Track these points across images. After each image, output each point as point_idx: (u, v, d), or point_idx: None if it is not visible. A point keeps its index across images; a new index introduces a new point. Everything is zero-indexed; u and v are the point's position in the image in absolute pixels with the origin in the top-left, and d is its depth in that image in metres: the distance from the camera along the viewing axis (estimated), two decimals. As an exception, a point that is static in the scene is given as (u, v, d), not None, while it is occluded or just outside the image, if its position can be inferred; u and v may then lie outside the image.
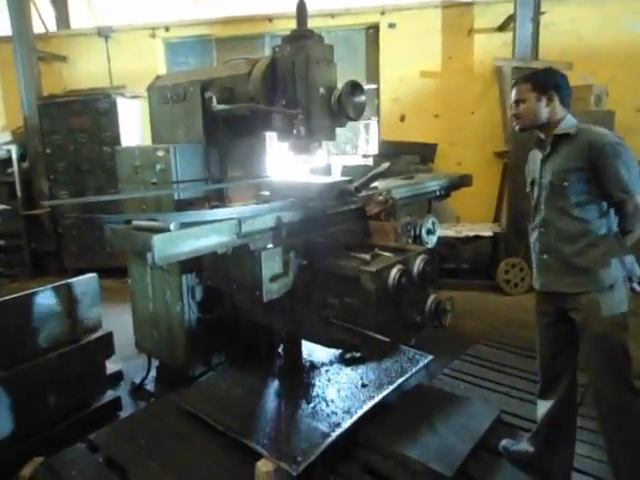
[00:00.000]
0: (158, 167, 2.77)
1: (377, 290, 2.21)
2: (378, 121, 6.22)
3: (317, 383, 2.85)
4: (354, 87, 2.55)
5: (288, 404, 2.66)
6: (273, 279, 2.22)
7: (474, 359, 3.53)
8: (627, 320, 2.07)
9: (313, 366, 3.02)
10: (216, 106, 2.50)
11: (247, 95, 2.59)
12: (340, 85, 2.56)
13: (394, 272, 2.26)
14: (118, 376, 3.53)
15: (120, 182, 3.13)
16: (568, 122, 2.06)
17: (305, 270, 2.39)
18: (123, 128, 5.68)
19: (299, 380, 2.88)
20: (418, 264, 2.44)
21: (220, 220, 2.04)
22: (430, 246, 3.04)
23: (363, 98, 2.62)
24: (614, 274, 2.02)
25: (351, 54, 6.18)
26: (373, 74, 6.13)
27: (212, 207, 2.32)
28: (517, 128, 2.20)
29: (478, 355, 3.59)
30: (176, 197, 2.75)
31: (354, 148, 6.49)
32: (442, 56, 5.74)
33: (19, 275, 6.35)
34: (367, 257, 2.30)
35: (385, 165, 2.51)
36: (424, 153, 5.68)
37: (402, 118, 5.99)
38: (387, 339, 2.15)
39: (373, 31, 6.05)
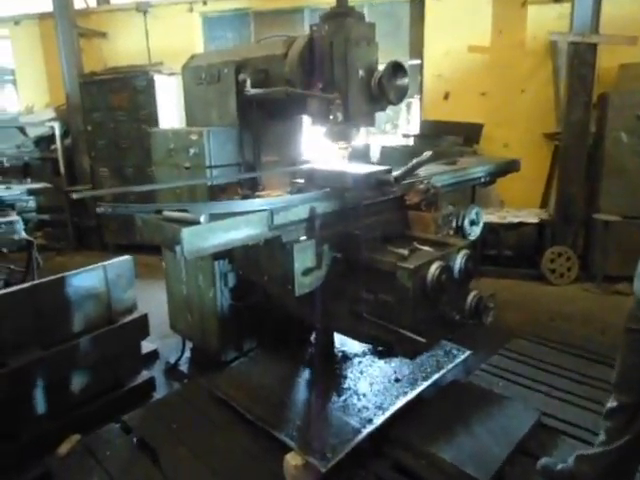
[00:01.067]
0: (192, 151, 2.71)
1: (414, 288, 2.10)
2: (420, 99, 5.95)
3: (349, 375, 2.79)
4: (396, 68, 2.39)
5: (319, 396, 2.62)
6: (305, 273, 2.14)
7: (514, 354, 3.38)
8: None
9: (345, 357, 2.96)
10: (249, 90, 2.40)
11: (283, 77, 2.47)
12: (381, 66, 2.40)
13: (433, 269, 2.14)
14: (154, 355, 3.59)
15: (154, 164, 3.10)
16: None
17: (339, 263, 2.30)
18: (160, 106, 5.67)
19: (330, 371, 2.83)
20: (459, 260, 2.31)
21: (251, 211, 1.96)
22: (473, 238, 2.87)
23: (406, 81, 2.45)
24: None
25: (394, 28, 5.89)
26: (417, 49, 5.83)
27: (244, 196, 2.24)
28: None
29: (518, 350, 3.43)
30: (209, 183, 2.69)
31: (394, 127, 6.26)
32: (492, 30, 5.38)
33: (64, 248, 6.57)
34: (405, 252, 2.18)
35: (427, 154, 2.36)
36: (468, 134, 5.40)
37: (446, 96, 5.70)
38: (423, 339, 2.05)
39: (418, 3, 5.73)
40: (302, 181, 2.46)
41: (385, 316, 2.21)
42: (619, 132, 4.65)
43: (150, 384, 3.16)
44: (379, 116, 6.43)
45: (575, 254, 4.96)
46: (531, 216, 5.17)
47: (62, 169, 6.31)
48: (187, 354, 3.50)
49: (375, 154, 5.66)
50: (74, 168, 6.39)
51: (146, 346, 3.58)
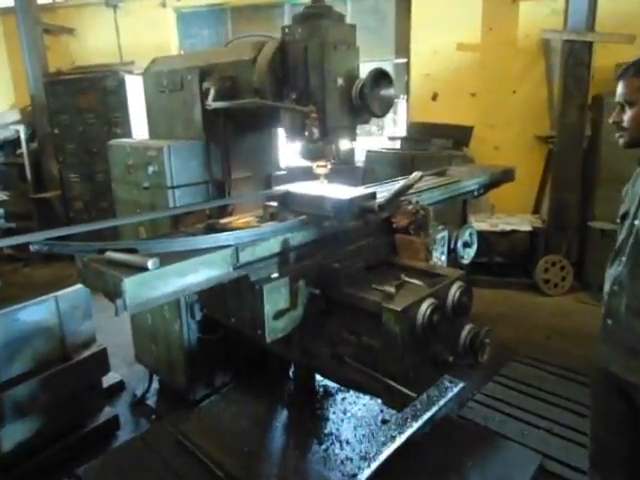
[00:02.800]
0: (150, 169, 2.40)
1: (403, 332, 1.82)
2: (407, 100, 5.67)
3: (331, 416, 2.51)
4: (380, 77, 2.10)
5: (297, 443, 2.34)
6: (278, 315, 1.86)
7: (510, 381, 3.14)
8: None
9: (327, 393, 2.68)
10: (211, 104, 2.09)
11: (252, 86, 2.16)
12: (365, 72, 2.11)
13: (424, 308, 1.86)
14: (119, 387, 3.29)
15: (113, 181, 2.79)
16: None
17: (318, 300, 2.02)
18: (133, 109, 5.32)
19: (311, 411, 2.55)
20: (453, 294, 2.04)
21: (212, 249, 1.67)
22: (467, 261, 2.62)
23: (391, 91, 2.16)
24: None
25: (379, 24, 5.60)
26: (403, 47, 5.55)
27: (207, 226, 1.94)
28: (621, 142, 1.61)
29: (514, 376, 3.19)
30: (172, 204, 2.39)
31: (380, 129, 5.98)
32: (482, 27, 5.11)
33: (32, 259, 6.19)
34: (391, 289, 1.90)
35: (416, 175, 2.08)
36: (458, 136, 5.14)
37: (434, 97, 5.43)
38: (412, 393, 1.78)
39: (404, -2, 5.44)
40: (275, 204, 2.17)
41: (370, 362, 1.94)
42: (615, 135, 4.41)
43: (114, 422, 2.87)
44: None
45: (569, 263, 4.75)
46: (524, 223, 4.94)
47: (28, 175, 5.92)
48: (155, 385, 3.21)
49: (360, 158, 5.40)
50: (42, 173, 6.00)
51: (111, 377, 3.29)
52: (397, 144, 5.43)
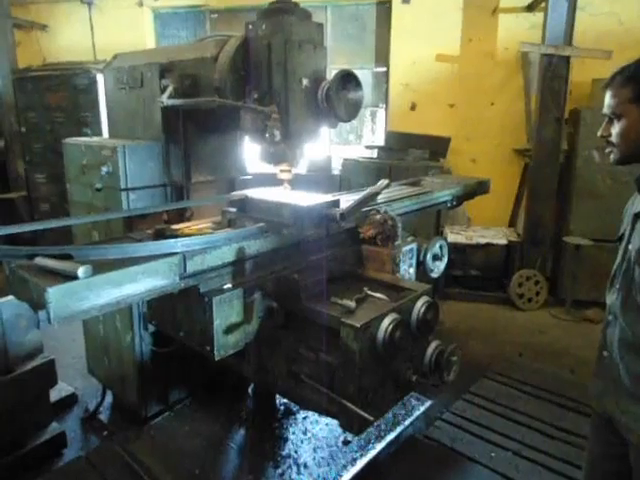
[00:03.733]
0: (104, 170, 2.25)
1: (362, 350, 1.70)
2: (386, 109, 5.62)
3: (290, 436, 2.37)
4: (348, 79, 2.00)
5: (252, 466, 2.19)
6: (229, 330, 1.72)
7: (480, 400, 3.04)
8: None
9: (288, 411, 2.55)
10: (164, 101, 1.96)
11: (213, 84, 2.04)
12: (332, 75, 2.01)
13: (385, 325, 1.75)
14: (71, 400, 3.09)
15: (68, 182, 2.62)
16: None
17: (275, 313, 1.89)
18: (104, 108, 5.12)
19: (269, 431, 2.41)
20: (418, 309, 1.93)
21: (157, 256, 1.54)
22: (436, 275, 2.52)
23: (360, 94, 2.06)
24: None
25: (359, 31, 5.54)
26: (383, 55, 5.50)
27: (156, 233, 1.80)
28: (612, 159, 1.43)
29: (485, 394, 3.09)
30: (125, 208, 2.24)
31: (358, 138, 5.90)
32: (461, 38, 5.10)
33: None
34: (351, 304, 1.78)
35: (382, 183, 1.99)
36: (435, 147, 5.09)
37: (413, 107, 5.39)
38: (370, 417, 1.65)
39: (385, 7, 5.40)
40: (234, 210, 2.04)
41: (327, 381, 1.81)
42: (591, 151, 4.41)
43: (60, 440, 2.67)
44: (342, 125, 5.97)
45: (544, 277, 4.71)
46: (499, 236, 4.89)
47: (-8, 174, 5.67)
48: (109, 399, 3.02)
49: (336, 166, 5.32)
50: (7, 173, 5.75)
51: (63, 389, 3.10)
52: (375, 153, 5.36)
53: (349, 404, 1.70)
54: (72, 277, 1.35)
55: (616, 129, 1.36)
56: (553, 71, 4.33)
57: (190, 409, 2.57)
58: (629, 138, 1.34)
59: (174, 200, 2.37)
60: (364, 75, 5.50)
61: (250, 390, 2.58)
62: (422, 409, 2.59)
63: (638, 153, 1.36)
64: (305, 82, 1.94)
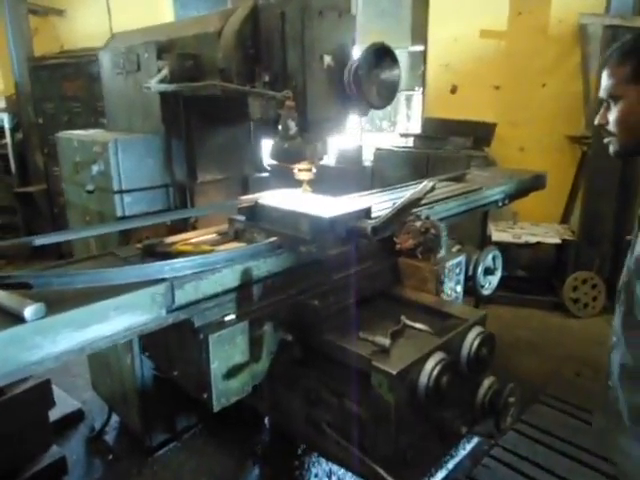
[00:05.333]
0: (95, 169, 1.94)
1: (399, 402, 1.34)
2: (423, 93, 5.13)
3: (311, 479, 2.04)
4: (381, 55, 1.60)
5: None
6: (231, 373, 1.38)
7: (534, 431, 2.61)
8: None
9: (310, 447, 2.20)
10: (153, 85, 1.61)
11: (217, 65, 1.68)
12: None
13: (429, 369, 1.38)
14: (76, 416, 2.85)
15: (63, 181, 2.33)
16: None
17: (292, 348, 1.53)
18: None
19: (288, 472, 2.07)
20: (469, 345, 1.54)
21: (136, 284, 1.20)
22: (488, 292, 2.11)
23: (396, 73, 1.66)
24: None
25: (394, 6, 5.06)
26: (420, 33, 5.00)
27: (145, 249, 1.47)
28: (611, 151, 1.24)
29: (539, 424, 2.67)
30: (120, 213, 1.93)
31: (392, 125, 5.44)
32: (509, 11, 4.54)
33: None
34: (385, 341, 1.41)
35: (426, 186, 1.59)
36: (479, 134, 4.58)
37: (453, 90, 4.88)
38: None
39: (422, -22, 4.89)
40: (242, 218, 1.69)
41: (353, 435, 1.45)
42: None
43: (60, 465, 2.43)
44: (374, 112, 5.49)
45: (602, 281, 4.19)
46: (550, 234, 4.38)
47: (12, 167, 5.53)
48: (116, 417, 2.76)
49: (368, 157, 4.89)
50: (27, 166, 5.61)
51: (68, 404, 2.87)
52: (410, 142, 4.90)
53: (381, 471, 1.34)
54: (18, 318, 1.04)
55: (614, 114, 1.19)
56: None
57: (199, 440, 2.27)
58: (628, 124, 1.16)
59: (177, 203, 2.04)
60: (399, 55, 5.01)
61: (267, 421, 2.26)
62: (468, 448, 2.20)
63: (638, 142, 1.17)
64: (328, 60, 1.56)
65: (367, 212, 1.59)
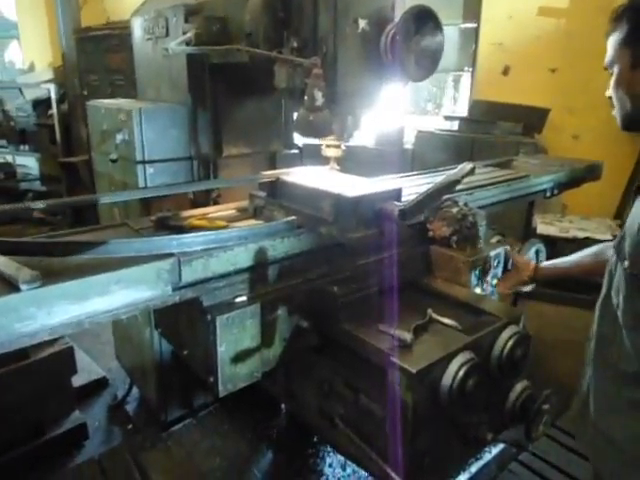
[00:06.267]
0: (119, 138, 1.89)
1: (418, 403, 1.22)
2: (473, 73, 4.84)
3: (326, 470, 1.96)
4: (423, 19, 1.44)
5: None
6: (240, 358, 1.30)
7: (567, 439, 2.44)
8: None
9: (326, 436, 2.13)
10: (172, 47, 1.52)
11: (244, 30, 1.57)
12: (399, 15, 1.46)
13: (454, 370, 1.25)
14: (101, 384, 2.90)
15: (92, 150, 2.31)
16: None
17: (307, 335, 1.44)
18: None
19: (302, 458, 2.01)
20: (502, 346, 1.40)
21: (141, 258, 1.13)
22: (528, 289, 1.94)
23: (439, 39, 1.50)
24: None
25: (446, -19, 4.77)
26: (472, 9, 4.70)
27: (158, 222, 1.40)
28: (618, 123, 1.19)
29: (574, 431, 2.48)
30: (142, 184, 1.87)
31: (437, 107, 5.19)
32: (572, -14, 4.18)
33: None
34: (407, 336, 1.29)
35: (465, 167, 1.44)
36: (530, 120, 4.29)
37: (506, 71, 4.58)
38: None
39: (478, -51, 4.57)
40: (263, 195, 1.59)
41: (367, 433, 1.35)
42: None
43: (80, 431, 2.47)
44: (418, 93, 5.20)
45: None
46: (602, 230, 4.07)
47: (58, 137, 5.66)
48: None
49: (409, 139, 4.69)
50: (71, 137, 5.73)
51: (93, 371, 2.92)
52: (455, 126, 4.65)
53: (394, 474, 1.24)
54: (13, 286, 0.99)
55: (611, 83, 1.15)
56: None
57: (215, 419, 2.24)
58: (621, 90, 1.11)
59: (201, 177, 1.97)
60: (449, 33, 4.72)
61: (283, 406, 2.20)
62: (493, 454, 2.07)
63: (636, 110, 1.09)
64: (363, 24, 1.41)
65: (397, 194, 1.46)
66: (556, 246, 4.19)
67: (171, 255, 1.16)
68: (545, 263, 1.65)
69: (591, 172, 2.60)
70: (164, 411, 2.23)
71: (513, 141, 4.03)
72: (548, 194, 2.38)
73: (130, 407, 2.72)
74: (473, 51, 4.76)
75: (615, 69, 1.10)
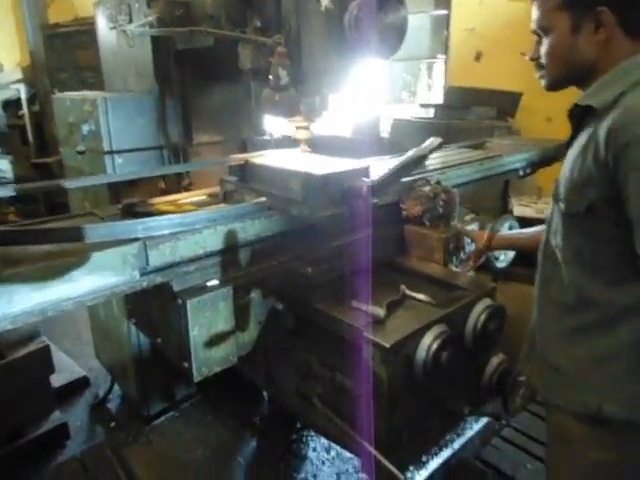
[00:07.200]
0: (86, 129, 1.85)
1: (393, 377, 1.23)
2: (446, 60, 4.86)
3: (310, 454, 1.97)
4: (385, -4, 1.44)
5: (260, 492, 1.81)
6: (213, 342, 1.29)
7: (550, 413, 2.48)
8: None
9: (310, 421, 2.13)
10: (130, 29, 1.49)
11: (206, 13, 1.55)
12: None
13: (427, 343, 1.26)
14: (82, 383, 2.85)
15: (60, 144, 2.26)
16: (622, 73, 1.02)
17: (283, 317, 1.43)
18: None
19: (285, 444, 2.01)
20: (475, 318, 1.41)
21: (105, 244, 1.11)
22: (503, 265, 1.96)
23: (403, 14, 1.49)
24: (602, 402, 1.05)
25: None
26: (444, -4, 4.72)
27: (124, 209, 1.37)
28: (543, 84, 1.19)
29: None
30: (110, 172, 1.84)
31: (412, 95, 5.20)
32: (541, -31, 4.21)
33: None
34: (380, 311, 1.29)
35: (432, 142, 1.44)
36: (503, 104, 4.32)
37: (478, 57, 4.60)
38: (400, 475, 1.18)
39: None
40: (234, 179, 1.58)
41: (345, 411, 1.36)
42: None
43: (61, 431, 2.42)
44: (393, 82, 5.20)
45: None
46: (577, 210, 4.14)
47: (30, 138, 5.53)
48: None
49: (385, 128, 4.70)
50: (44, 137, 5.61)
51: (74, 371, 2.87)
52: (431, 113, 4.67)
53: (372, 449, 1.24)
54: (-28, 275, 0.96)
55: (545, 46, 1.12)
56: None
57: (197, 410, 2.22)
58: (559, 55, 1.10)
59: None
60: (421, 20, 4.76)
61: (266, 393, 2.19)
62: (476, 428, 2.09)
63: (571, 73, 1.11)
64: (325, 2, 1.40)
65: (366, 172, 1.45)
66: (533, 226, 4.25)
67: (137, 240, 1.15)
68: (500, 233, 1.67)
69: (561, 151, 2.62)
70: (146, 405, 2.21)
71: (487, 125, 4.05)
72: (521, 173, 2.40)
73: (112, 405, 2.68)
74: (445, 38, 4.78)
75: (551, 34, 1.09)
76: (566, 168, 1.09)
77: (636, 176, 0.90)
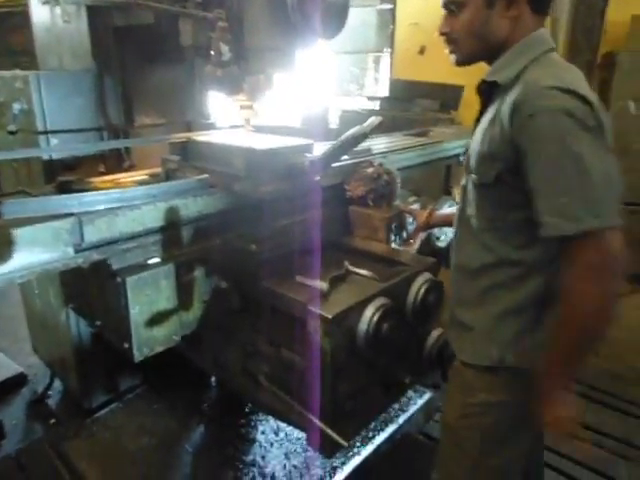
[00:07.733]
0: (16, 107, 1.76)
1: (335, 348, 1.26)
2: (391, 54, 4.96)
3: (258, 437, 1.97)
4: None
5: (208, 476, 1.80)
6: (155, 321, 1.27)
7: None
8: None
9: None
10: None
11: (146, -13, 1.51)
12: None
13: (369, 315, 1.30)
14: (18, 381, 2.71)
15: (-12, 125, 2.12)
16: (523, 49, 1.07)
17: (227, 296, 1.43)
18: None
19: (233, 429, 2.00)
20: (415, 292, 1.47)
21: (38, 219, 1.07)
22: (444, 244, 2.04)
23: (344, -2, 1.52)
24: (504, 353, 1.13)
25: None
26: (389, -10, 4.81)
27: (59, 186, 1.32)
28: (453, 60, 1.20)
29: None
30: (46, 156, 1.76)
31: (360, 88, 5.28)
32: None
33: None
34: (323, 285, 1.32)
35: (373, 121, 1.47)
36: (446, 98, 4.47)
37: (422, 50, 4.73)
38: (343, 442, 1.22)
39: None
40: (176, 159, 1.55)
41: (291, 386, 1.37)
42: (626, 101, 3.81)
43: (-5, 432, 2.30)
44: (342, 75, 5.24)
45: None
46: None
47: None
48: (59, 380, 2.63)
49: (334, 120, 4.74)
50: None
51: (10, 368, 2.73)
52: (377, 105, 4.76)
53: (317, 421, 1.27)
54: None
55: (459, 22, 1.12)
56: (587, 3, 3.67)
57: (143, 400, 2.17)
58: (473, 30, 1.10)
59: (112, 148, 1.88)
60: (367, 14, 4.83)
61: (213, 379, 2.17)
62: (421, 402, 2.16)
63: (483, 48, 1.13)
64: (268, -21, 1.40)
65: (308, 148, 1.47)
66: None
67: (70, 215, 1.11)
68: (439, 211, 1.75)
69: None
70: (88, 398, 2.13)
71: (431, 117, 4.18)
72: (462, 159, 2.50)
73: (52, 401, 2.56)
74: (391, 32, 4.88)
75: (465, 9, 1.10)
76: (476, 141, 1.13)
77: (535, 147, 0.96)
